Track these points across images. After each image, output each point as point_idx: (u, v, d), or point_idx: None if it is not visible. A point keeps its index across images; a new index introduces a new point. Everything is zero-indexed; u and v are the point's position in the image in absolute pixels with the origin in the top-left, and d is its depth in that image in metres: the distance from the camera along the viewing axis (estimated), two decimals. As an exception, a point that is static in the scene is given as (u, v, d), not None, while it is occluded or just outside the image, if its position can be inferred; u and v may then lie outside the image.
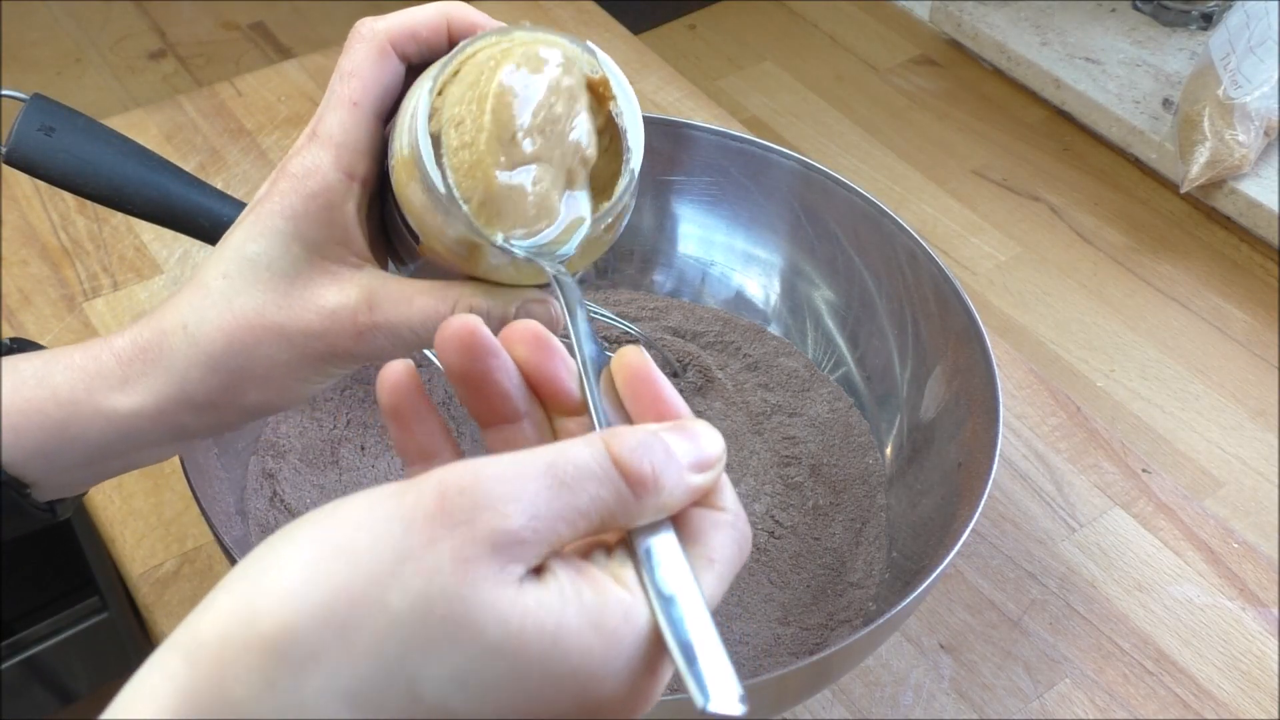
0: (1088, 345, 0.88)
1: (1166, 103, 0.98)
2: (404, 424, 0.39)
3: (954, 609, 0.68)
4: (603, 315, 0.73)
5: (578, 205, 0.45)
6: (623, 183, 0.45)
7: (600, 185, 0.46)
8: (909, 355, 0.70)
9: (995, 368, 0.62)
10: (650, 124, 0.74)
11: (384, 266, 0.49)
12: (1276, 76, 0.91)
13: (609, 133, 0.45)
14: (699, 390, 0.73)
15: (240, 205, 0.62)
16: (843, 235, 0.73)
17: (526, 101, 0.43)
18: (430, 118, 0.43)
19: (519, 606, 0.32)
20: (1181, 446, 0.82)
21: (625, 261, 0.78)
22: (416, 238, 0.45)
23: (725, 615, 0.64)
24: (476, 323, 0.38)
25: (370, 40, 0.46)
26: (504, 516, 0.32)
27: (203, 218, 0.61)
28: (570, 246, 0.44)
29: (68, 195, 0.86)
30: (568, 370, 0.40)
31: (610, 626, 0.33)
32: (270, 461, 0.67)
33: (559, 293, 0.43)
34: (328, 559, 0.31)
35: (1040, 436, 0.77)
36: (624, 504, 0.34)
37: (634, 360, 0.38)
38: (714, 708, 0.32)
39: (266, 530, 0.64)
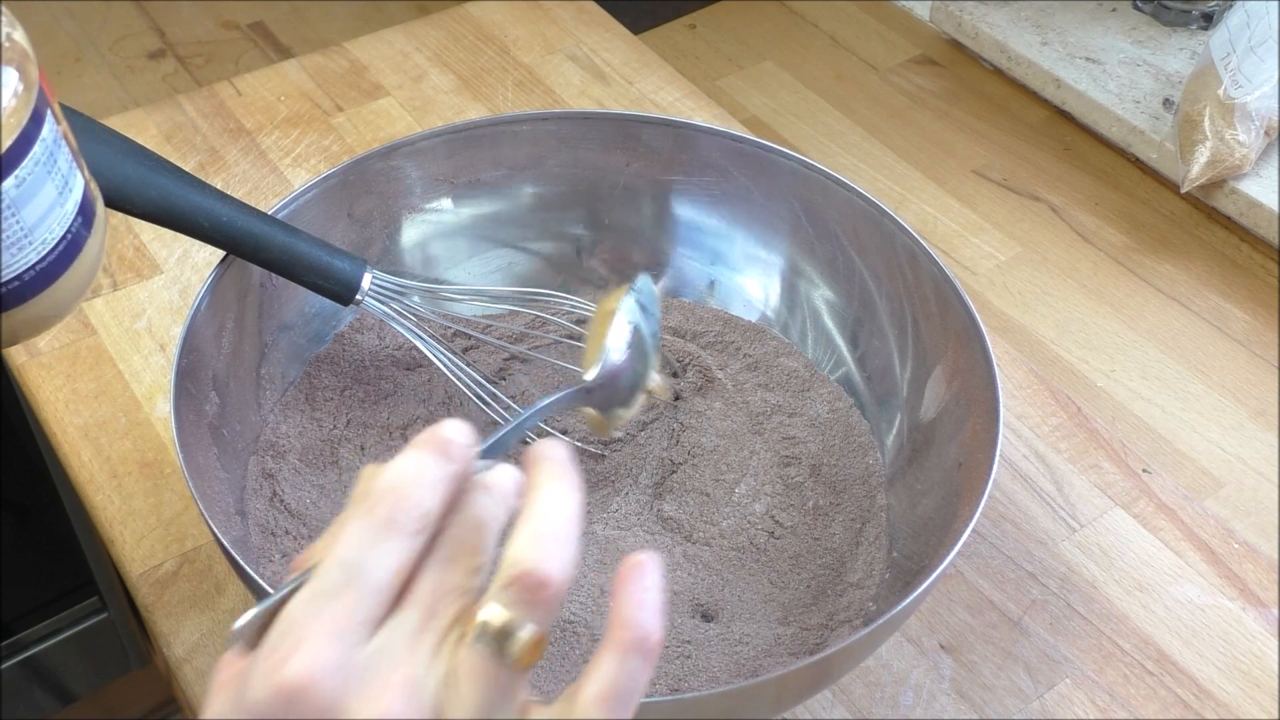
0: (1088, 345, 0.88)
1: (1167, 102, 0.98)
2: None
3: (954, 609, 0.68)
4: None
5: None
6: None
7: None
8: (909, 355, 0.70)
9: (995, 368, 0.62)
10: (650, 124, 0.75)
11: None
12: (1277, 76, 0.91)
13: None
14: (699, 390, 0.73)
15: (239, 205, 0.62)
16: (843, 235, 0.73)
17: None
18: None
19: None
20: (1182, 446, 0.82)
21: (625, 263, 0.78)
22: None
23: (726, 615, 0.64)
24: None
25: None
26: None
27: (203, 217, 0.61)
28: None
29: (67, 195, 0.86)
30: None
31: None
32: (270, 461, 0.67)
33: None
34: None
35: (1040, 437, 0.77)
36: None
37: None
38: None
39: (266, 530, 0.64)
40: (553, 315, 0.75)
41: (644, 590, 0.38)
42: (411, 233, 0.76)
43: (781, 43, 1.13)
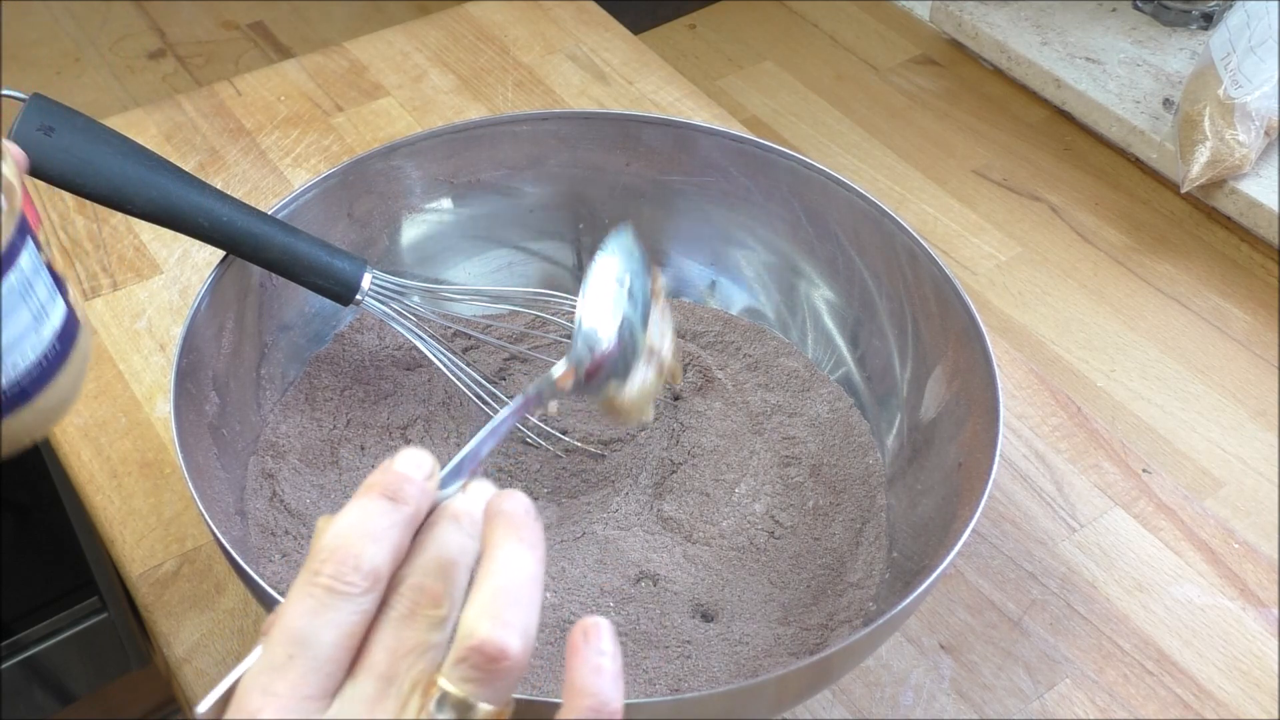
0: (1088, 345, 0.88)
1: (1167, 102, 0.98)
2: None
3: (954, 609, 0.68)
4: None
5: None
6: None
7: None
8: (909, 355, 0.70)
9: (995, 368, 0.62)
10: (650, 124, 0.75)
11: None
12: (1277, 76, 0.91)
13: None
14: (699, 390, 0.73)
15: (239, 205, 0.62)
16: (843, 235, 0.73)
17: None
18: None
19: None
20: (1182, 446, 0.82)
21: (625, 261, 0.78)
22: None
23: (726, 615, 0.64)
24: None
25: None
26: None
27: (203, 217, 0.61)
28: None
29: (67, 195, 0.86)
30: None
31: None
32: (270, 461, 0.67)
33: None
34: None
35: (1040, 436, 0.77)
36: None
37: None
38: None
39: (266, 530, 0.64)
40: (553, 315, 0.75)
41: (599, 655, 0.37)
42: (411, 233, 0.76)
43: (781, 43, 1.13)
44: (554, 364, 0.72)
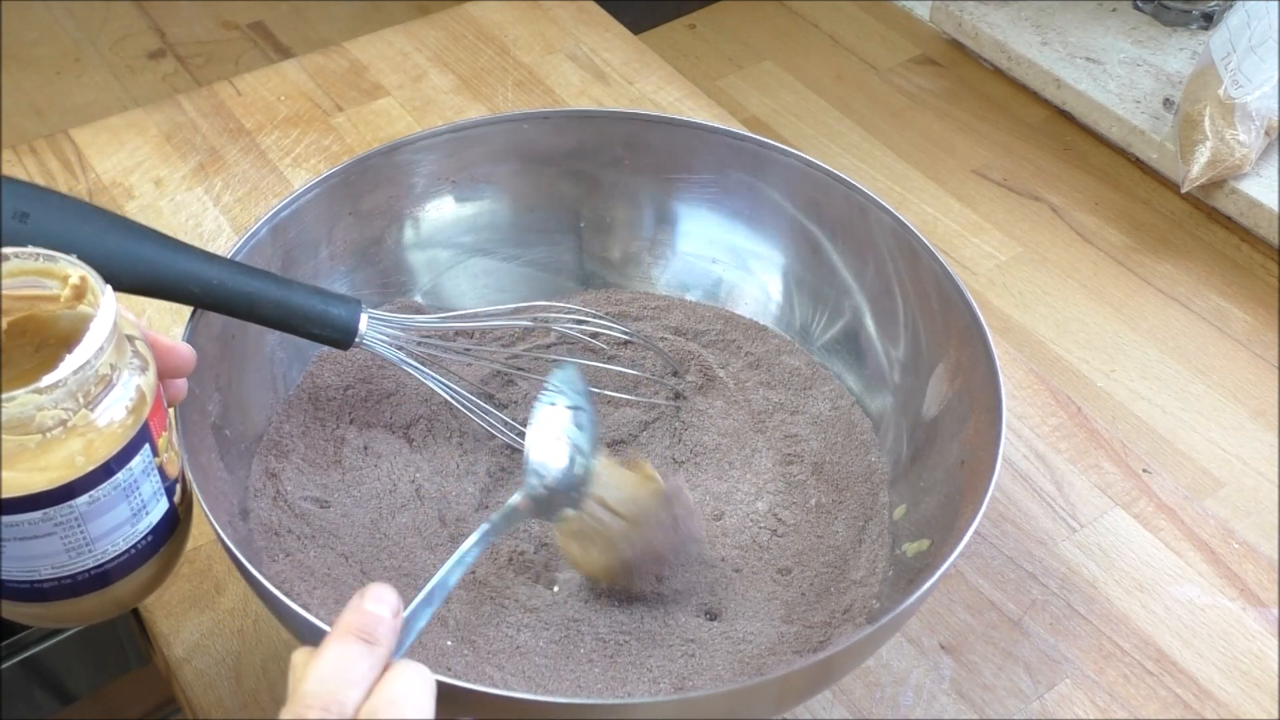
0: (1088, 345, 0.88)
1: (1167, 102, 0.99)
2: None
3: (954, 609, 0.68)
4: (597, 322, 0.73)
5: None
6: None
7: None
8: (911, 354, 0.70)
9: (997, 365, 0.62)
10: (651, 123, 0.75)
11: None
12: (1277, 76, 0.91)
13: None
14: (700, 389, 0.73)
15: (228, 264, 0.60)
16: (843, 233, 0.73)
17: None
18: None
19: None
20: (1182, 446, 0.82)
21: (627, 261, 0.78)
22: None
23: (730, 613, 0.64)
24: None
25: None
26: None
27: (193, 284, 0.59)
28: None
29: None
30: None
31: None
32: (273, 461, 0.67)
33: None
34: None
35: (1041, 437, 0.77)
36: None
37: None
38: None
39: (269, 530, 0.64)
40: (554, 324, 0.74)
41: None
42: (412, 232, 0.76)
43: (781, 43, 1.13)
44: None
